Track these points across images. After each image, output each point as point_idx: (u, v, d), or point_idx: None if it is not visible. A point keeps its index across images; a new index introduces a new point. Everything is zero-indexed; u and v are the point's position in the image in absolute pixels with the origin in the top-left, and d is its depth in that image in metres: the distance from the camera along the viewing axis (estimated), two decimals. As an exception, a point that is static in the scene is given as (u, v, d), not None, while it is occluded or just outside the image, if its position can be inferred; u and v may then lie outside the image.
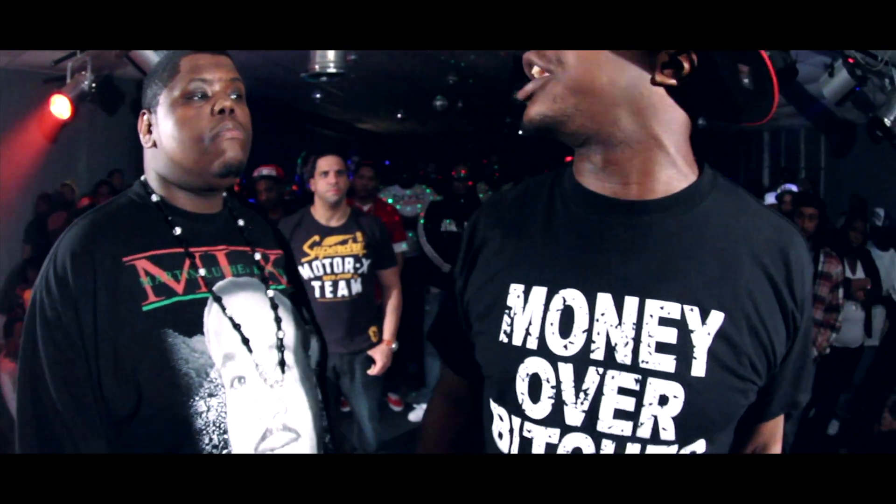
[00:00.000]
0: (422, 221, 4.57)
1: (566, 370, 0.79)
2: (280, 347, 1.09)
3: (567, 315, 0.80)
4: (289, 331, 1.13)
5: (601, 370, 0.78)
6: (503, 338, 0.84)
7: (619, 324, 0.78)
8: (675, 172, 0.80)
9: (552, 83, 0.78)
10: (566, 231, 0.84)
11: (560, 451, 0.80)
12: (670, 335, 0.76)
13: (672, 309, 0.76)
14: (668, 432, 0.77)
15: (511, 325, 0.84)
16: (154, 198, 1.07)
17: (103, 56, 3.95)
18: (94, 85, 3.83)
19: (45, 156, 5.01)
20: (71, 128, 4.12)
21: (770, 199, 5.99)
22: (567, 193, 0.87)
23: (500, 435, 0.88)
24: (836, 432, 4.26)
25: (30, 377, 0.94)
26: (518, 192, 0.94)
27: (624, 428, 0.78)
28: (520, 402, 0.83)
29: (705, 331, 0.76)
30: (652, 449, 0.77)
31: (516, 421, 0.84)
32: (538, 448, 0.82)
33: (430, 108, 7.81)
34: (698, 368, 0.75)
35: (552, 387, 0.80)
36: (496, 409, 0.89)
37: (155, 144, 1.06)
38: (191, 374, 0.97)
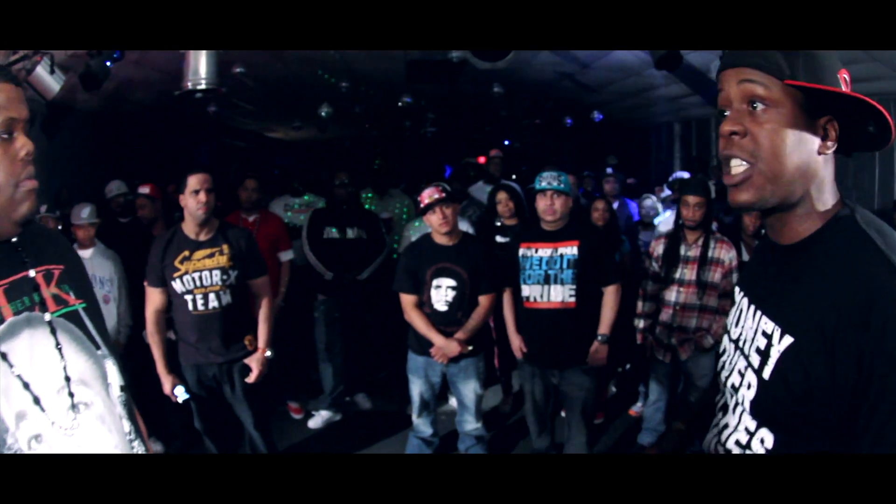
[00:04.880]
0: (305, 229, 4.51)
1: (731, 347, 1.16)
2: (68, 387, 1.05)
3: (739, 313, 1.16)
4: (77, 363, 1.08)
5: (737, 354, 1.11)
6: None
7: (751, 326, 1.09)
8: (810, 223, 1.01)
9: (755, 175, 0.98)
10: (759, 263, 1.19)
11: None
12: (762, 342, 1.03)
13: (768, 325, 1.03)
14: (747, 411, 1.04)
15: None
16: None
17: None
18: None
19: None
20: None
21: (666, 190, 6.11)
22: (763, 238, 1.19)
23: None
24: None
25: None
26: None
27: (736, 396, 1.08)
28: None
29: (778, 347, 0.98)
30: (744, 418, 1.06)
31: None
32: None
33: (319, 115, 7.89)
34: (768, 372, 0.99)
35: (726, 356, 1.18)
36: None
37: None
38: None
